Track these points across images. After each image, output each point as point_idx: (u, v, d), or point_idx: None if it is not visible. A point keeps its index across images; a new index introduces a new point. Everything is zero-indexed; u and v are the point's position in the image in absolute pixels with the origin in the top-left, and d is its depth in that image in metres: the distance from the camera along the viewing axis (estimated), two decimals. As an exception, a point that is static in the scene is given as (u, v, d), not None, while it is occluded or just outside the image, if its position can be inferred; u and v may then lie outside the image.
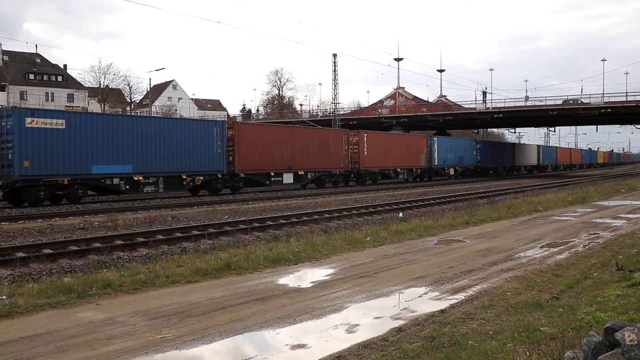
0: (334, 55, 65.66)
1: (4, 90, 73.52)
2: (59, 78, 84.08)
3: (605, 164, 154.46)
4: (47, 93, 79.93)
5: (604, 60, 78.82)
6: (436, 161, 54.84)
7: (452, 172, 58.42)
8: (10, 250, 12.32)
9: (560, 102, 64.08)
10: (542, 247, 12.65)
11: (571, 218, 18.47)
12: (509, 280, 9.08)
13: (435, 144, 54.91)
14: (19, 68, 78.10)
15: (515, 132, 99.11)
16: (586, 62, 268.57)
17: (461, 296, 8.12)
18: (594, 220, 17.55)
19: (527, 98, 69.84)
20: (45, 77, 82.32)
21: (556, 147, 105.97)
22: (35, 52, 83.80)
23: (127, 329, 6.65)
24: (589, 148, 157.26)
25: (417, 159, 51.57)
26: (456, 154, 59.34)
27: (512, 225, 16.86)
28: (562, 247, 12.56)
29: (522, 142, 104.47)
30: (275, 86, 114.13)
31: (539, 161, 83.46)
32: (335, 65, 65.68)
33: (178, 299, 8.11)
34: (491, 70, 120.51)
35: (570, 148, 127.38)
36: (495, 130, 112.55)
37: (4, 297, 8.17)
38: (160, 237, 14.55)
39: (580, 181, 47.97)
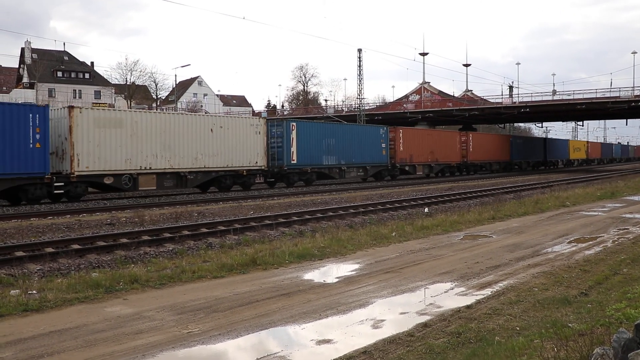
0: (359, 51, 65.38)
1: (33, 88, 74.68)
2: (87, 75, 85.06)
3: (590, 160, 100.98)
4: (74, 90, 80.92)
5: (634, 52, 77.14)
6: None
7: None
8: (40, 245, 12.52)
9: (589, 96, 63.08)
10: (570, 242, 12.49)
11: (600, 213, 18.21)
12: (536, 276, 8.99)
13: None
14: (48, 66, 79.17)
15: (542, 127, 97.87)
16: (615, 54, 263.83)
17: (487, 292, 8.06)
18: (624, 216, 17.28)
19: (554, 92, 68.97)
20: (73, 75, 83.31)
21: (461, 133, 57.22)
22: (63, 49, 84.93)
23: (154, 323, 6.72)
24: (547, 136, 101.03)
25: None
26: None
27: (539, 220, 16.68)
28: (591, 242, 12.39)
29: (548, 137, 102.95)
30: (300, 82, 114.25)
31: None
32: (360, 61, 65.45)
33: (204, 294, 8.17)
34: (518, 64, 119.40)
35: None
36: (522, 125, 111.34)
37: (34, 291, 8.31)
38: (186, 232, 14.66)
39: (609, 176, 47.36)
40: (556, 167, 79.53)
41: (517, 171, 64.80)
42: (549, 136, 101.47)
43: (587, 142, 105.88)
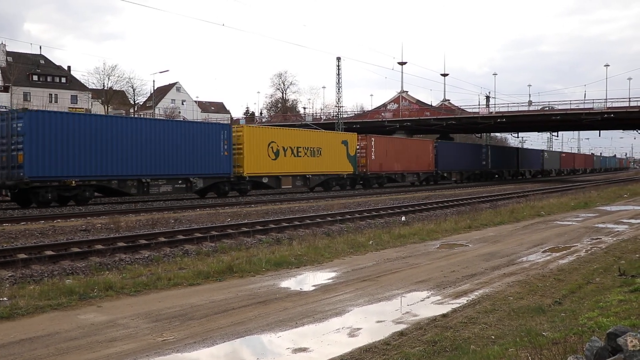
0: (338, 59, 65.76)
1: (8, 91, 73.68)
2: (63, 79, 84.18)
3: (369, 178, 45.48)
4: (50, 94, 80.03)
5: (607, 65, 78.36)
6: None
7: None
8: (12, 251, 12.33)
9: (563, 107, 64.17)
10: (544, 251, 12.62)
11: (574, 223, 18.43)
12: (511, 285, 9.06)
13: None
14: (23, 69, 78.18)
15: (518, 137, 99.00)
16: (589, 66, 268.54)
17: (463, 300, 8.10)
18: (597, 225, 17.51)
19: (530, 103, 69.85)
20: (49, 79, 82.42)
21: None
22: (39, 53, 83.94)
23: (128, 331, 6.64)
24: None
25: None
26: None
27: (514, 229, 16.83)
28: (565, 251, 12.53)
29: (525, 146, 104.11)
30: (278, 89, 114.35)
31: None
32: (339, 69, 65.74)
33: (180, 301, 8.10)
34: (494, 74, 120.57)
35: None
36: (498, 134, 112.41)
37: (5, 298, 8.17)
38: (162, 239, 14.55)
39: (583, 186, 48.01)
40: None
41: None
42: (525, 146, 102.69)
43: (401, 139, 55.33)
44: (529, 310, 7.39)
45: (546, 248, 13.09)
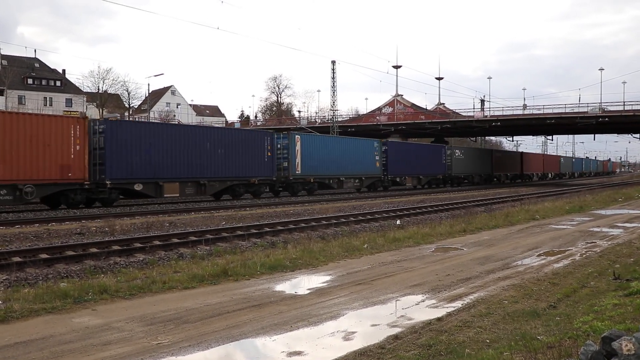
0: (333, 62, 65.87)
1: (3, 95, 73.45)
2: (58, 83, 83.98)
3: None
4: (45, 98, 79.86)
5: (601, 69, 78.57)
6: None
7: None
8: (7, 254, 12.29)
9: (558, 110, 64.32)
10: (539, 255, 12.64)
11: (568, 227, 18.47)
12: (506, 289, 9.07)
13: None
14: (18, 72, 77.95)
15: (513, 141, 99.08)
16: (583, 70, 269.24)
17: (458, 304, 8.11)
18: (591, 229, 17.55)
19: (525, 106, 70.06)
20: (43, 82, 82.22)
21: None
22: (33, 56, 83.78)
23: (123, 334, 6.63)
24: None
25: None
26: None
27: (509, 233, 16.85)
28: (560, 255, 12.55)
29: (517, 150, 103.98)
30: (273, 92, 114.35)
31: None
32: (334, 72, 65.81)
33: (174, 304, 8.09)
34: (489, 78, 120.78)
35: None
36: (493, 138, 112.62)
37: (0, 301, 8.14)
38: (157, 242, 14.52)
39: (578, 190, 48.15)
40: None
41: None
42: (520, 150, 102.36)
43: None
44: (523, 314, 7.40)
45: (541, 252, 13.11)
